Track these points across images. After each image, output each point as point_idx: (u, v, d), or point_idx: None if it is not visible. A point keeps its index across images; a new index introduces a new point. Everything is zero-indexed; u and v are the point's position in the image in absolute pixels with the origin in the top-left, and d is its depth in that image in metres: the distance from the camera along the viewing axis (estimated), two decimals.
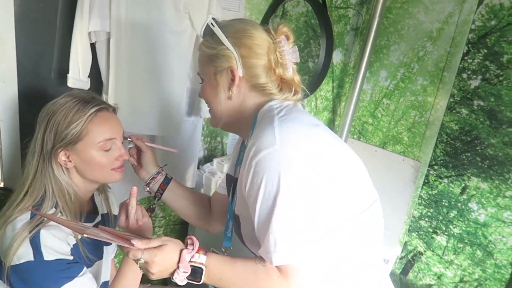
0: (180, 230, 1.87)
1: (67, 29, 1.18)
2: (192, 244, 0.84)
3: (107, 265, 1.20)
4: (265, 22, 1.75)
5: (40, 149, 0.97)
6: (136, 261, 0.81)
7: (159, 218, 1.76)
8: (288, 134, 0.81)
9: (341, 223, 0.86)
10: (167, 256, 0.82)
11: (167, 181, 1.18)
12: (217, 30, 0.91)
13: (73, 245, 0.99)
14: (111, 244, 1.22)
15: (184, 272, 0.82)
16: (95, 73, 1.25)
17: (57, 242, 0.96)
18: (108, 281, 1.23)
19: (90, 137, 0.98)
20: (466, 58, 1.86)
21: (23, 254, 0.91)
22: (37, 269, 0.92)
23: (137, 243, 0.78)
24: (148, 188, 1.19)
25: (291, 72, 0.92)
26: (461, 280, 1.99)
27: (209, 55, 0.93)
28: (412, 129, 2.08)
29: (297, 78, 0.94)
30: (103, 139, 1.00)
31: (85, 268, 1.00)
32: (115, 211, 1.25)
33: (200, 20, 1.37)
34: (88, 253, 1.02)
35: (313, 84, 2.07)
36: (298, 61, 0.93)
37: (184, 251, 0.82)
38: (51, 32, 1.23)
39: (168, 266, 0.82)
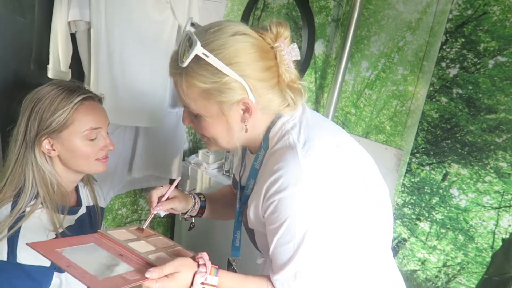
0: (167, 223, 1.87)
1: (46, 19, 1.16)
2: (205, 265, 0.84)
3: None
4: (246, 14, 1.76)
5: (23, 136, 0.96)
6: None
7: (145, 211, 1.75)
8: (314, 170, 0.79)
9: (360, 243, 0.87)
10: (180, 282, 0.81)
11: (203, 204, 1.12)
12: (214, 60, 0.76)
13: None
14: None
15: None
16: (76, 64, 1.24)
17: None
18: None
19: (75, 126, 0.97)
20: (444, 47, 1.90)
21: None
22: (6, 270, 0.92)
23: (152, 273, 0.78)
24: (186, 216, 1.11)
25: (294, 71, 0.83)
26: (444, 265, 2.03)
27: (208, 91, 0.79)
28: (394, 118, 2.12)
29: (299, 78, 0.86)
30: (89, 128, 0.99)
31: None
32: (101, 203, 1.24)
33: (181, 10, 1.36)
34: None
35: None
36: (299, 58, 0.83)
37: (197, 276, 0.83)
38: (30, 22, 1.21)
39: None
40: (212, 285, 0.84)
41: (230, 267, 1.02)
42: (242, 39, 0.78)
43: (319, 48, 2.18)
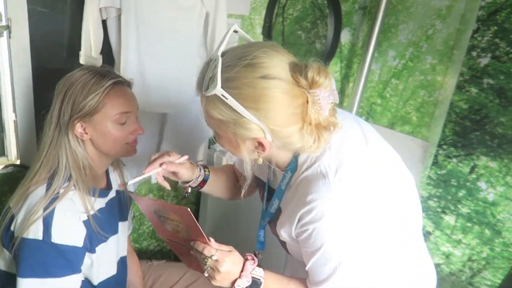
0: (192, 209, 1.88)
1: (78, 7, 1.19)
2: (253, 259, 0.88)
3: (124, 241, 1.23)
4: (272, 2, 1.74)
5: (57, 120, 0.99)
6: (207, 259, 0.83)
7: (171, 197, 1.78)
8: (347, 199, 0.79)
9: (392, 252, 0.88)
10: (235, 261, 0.85)
11: (206, 178, 1.11)
12: (233, 103, 0.73)
13: (84, 221, 1.01)
14: (126, 220, 1.25)
15: (246, 281, 0.85)
16: (106, 50, 1.26)
17: (69, 224, 0.98)
18: (125, 256, 1.26)
19: (106, 110, 0.99)
20: (475, 35, 1.84)
21: (34, 230, 0.94)
22: (41, 249, 0.95)
23: (213, 242, 0.84)
24: (186, 185, 1.11)
25: (327, 112, 0.77)
26: (469, 259, 2.00)
27: (224, 121, 0.78)
28: (421, 109, 2.08)
29: (333, 113, 0.80)
30: (119, 112, 1.01)
31: (79, 274, 1.02)
32: (130, 187, 1.27)
33: None
34: (99, 228, 1.05)
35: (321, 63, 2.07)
36: (337, 102, 0.78)
37: (248, 262, 0.86)
38: (63, 9, 1.24)
39: (233, 271, 0.85)
40: (260, 276, 0.87)
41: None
42: (270, 85, 0.73)
43: (345, 36, 2.15)
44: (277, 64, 0.74)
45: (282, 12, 1.91)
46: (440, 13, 1.93)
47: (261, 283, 0.87)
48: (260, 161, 0.84)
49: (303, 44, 2.10)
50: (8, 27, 1.11)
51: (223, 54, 0.76)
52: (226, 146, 0.86)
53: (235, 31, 0.81)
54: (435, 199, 2.08)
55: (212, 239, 0.85)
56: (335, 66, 2.20)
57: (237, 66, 0.73)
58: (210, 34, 1.43)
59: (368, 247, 0.82)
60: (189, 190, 1.13)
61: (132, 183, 1.04)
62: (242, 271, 0.85)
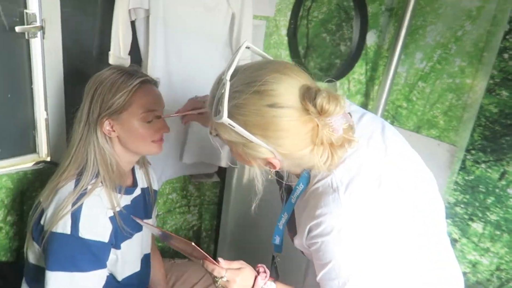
0: (214, 210, 1.90)
1: (108, 7, 1.22)
2: (265, 272, 0.89)
3: (148, 238, 1.25)
4: (297, 4, 1.74)
5: (86, 117, 1.01)
6: (218, 279, 0.85)
7: (194, 197, 1.79)
8: (356, 216, 0.78)
9: (410, 258, 0.86)
10: (245, 278, 0.86)
11: None
12: (241, 130, 0.74)
13: (110, 217, 1.03)
14: (150, 217, 1.26)
15: None
16: (135, 50, 1.28)
17: (96, 220, 1.01)
18: (149, 254, 1.28)
19: (133, 108, 1.01)
20: (507, 37, 1.78)
21: (62, 224, 0.96)
22: (69, 243, 0.97)
23: (222, 262, 0.85)
24: None
25: (341, 132, 0.76)
26: (497, 268, 1.93)
27: (234, 141, 0.78)
28: (449, 113, 2.02)
29: (350, 130, 0.79)
30: (146, 110, 1.03)
31: (105, 269, 1.04)
32: (154, 186, 1.29)
33: None
34: (124, 224, 1.07)
35: (345, 66, 2.05)
36: (352, 124, 0.79)
37: (259, 277, 0.87)
38: (94, 11, 1.27)
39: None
40: None
41: (272, 263, 1.04)
42: (278, 113, 0.72)
43: (370, 38, 2.13)
44: (287, 90, 0.73)
45: (307, 14, 1.90)
46: (470, 14, 1.88)
47: None
48: (272, 176, 0.84)
49: (327, 46, 2.09)
50: (42, 28, 1.14)
51: (233, 76, 0.75)
52: (238, 160, 0.86)
53: (247, 47, 0.80)
54: (462, 206, 2.02)
55: (221, 260, 0.85)
56: (360, 69, 2.17)
57: (245, 92, 0.73)
58: (236, 35, 1.44)
59: (380, 262, 0.81)
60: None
61: (144, 224, 1.07)
62: (253, 286, 0.87)
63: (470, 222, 2.01)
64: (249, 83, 0.73)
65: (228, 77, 0.74)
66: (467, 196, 2.00)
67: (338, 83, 2.10)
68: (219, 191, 1.86)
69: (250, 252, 1.72)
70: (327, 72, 2.05)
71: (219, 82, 0.76)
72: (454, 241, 2.07)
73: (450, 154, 2.01)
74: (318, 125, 0.74)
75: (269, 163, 0.80)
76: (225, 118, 0.72)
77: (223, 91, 0.73)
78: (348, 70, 2.06)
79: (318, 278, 0.85)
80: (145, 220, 1.22)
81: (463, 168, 1.99)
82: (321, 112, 0.72)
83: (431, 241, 0.89)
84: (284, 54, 1.80)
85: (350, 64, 2.06)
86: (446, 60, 2.00)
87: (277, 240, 1.00)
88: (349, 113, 0.81)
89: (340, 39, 2.11)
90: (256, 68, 0.76)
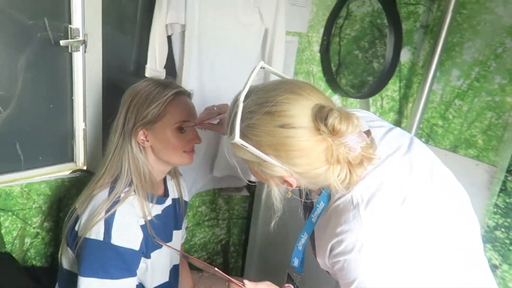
0: (242, 225, 1.89)
1: (146, 22, 1.27)
2: None
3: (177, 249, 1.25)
4: (329, 23, 1.75)
5: (122, 127, 1.04)
6: None
7: (222, 211, 1.79)
8: (377, 233, 0.77)
9: (437, 273, 0.82)
10: None
11: None
12: (253, 150, 0.74)
13: (141, 225, 1.05)
14: (180, 228, 1.27)
15: None
16: (170, 64, 1.32)
17: (128, 227, 1.02)
18: (178, 265, 1.28)
19: (167, 118, 1.04)
20: None
21: (96, 231, 0.98)
22: (101, 249, 0.99)
23: (248, 284, 0.84)
24: None
25: (358, 150, 0.74)
26: None
27: (249, 160, 0.79)
28: (488, 132, 1.95)
29: (370, 147, 0.77)
30: (179, 121, 1.05)
31: (135, 278, 1.06)
32: (185, 197, 1.30)
33: (269, 14, 1.40)
34: (155, 233, 1.07)
35: (378, 83, 2.02)
36: (368, 143, 0.76)
37: None
38: (132, 26, 1.33)
39: None
40: None
41: (293, 284, 1.02)
42: (290, 134, 0.72)
43: (405, 55, 2.10)
44: (299, 111, 0.72)
45: (339, 32, 1.90)
46: (510, 31, 1.83)
47: None
48: (289, 195, 0.84)
49: (360, 63, 2.08)
50: (84, 42, 1.20)
51: (247, 96, 0.76)
52: (256, 178, 0.86)
53: (262, 68, 0.81)
54: (503, 230, 1.92)
55: (246, 282, 0.84)
56: (393, 86, 2.14)
57: (257, 113, 0.73)
58: (268, 50, 1.46)
59: (405, 278, 0.78)
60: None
61: (167, 247, 1.11)
62: None
63: (511, 248, 1.90)
64: (261, 103, 0.73)
65: (242, 97, 0.75)
66: (508, 220, 1.90)
67: (370, 100, 2.07)
68: (248, 206, 1.85)
69: (278, 269, 1.69)
70: (360, 90, 2.03)
71: (235, 102, 0.77)
72: (494, 267, 1.96)
73: (490, 175, 1.92)
74: (332, 145, 0.73)
75: (285, 182, 0.79)
76: (237, 139, 0.73)
77: (236, 111, 0.74)
78: (381, 87, 2.03)
79: None
80: (174, 232, 1.24)
81: (503, 189, 1.89)
82: (333, 132, 0.71)
83: (458, 256, 0.84)
84: (316, 70, 1.80)
85: (383, 81, 2.03)
86: (485, 78, 1.94)
87: (295, 263, 0.98)
88: (368, 130, 0.78)
89: (373, 56, 2.09)
90: (270, 88, 0.76)
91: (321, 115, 0.71)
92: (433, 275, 0.80)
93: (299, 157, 0.73)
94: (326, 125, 0.71)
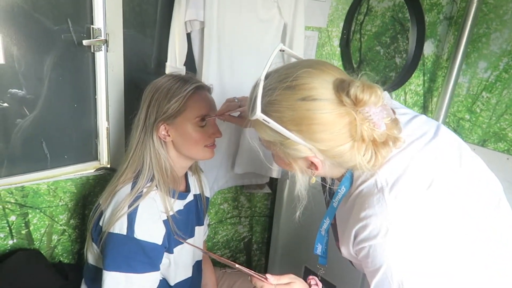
0: (265, 222, 1.89)
1: (166, 20, 1.28)
2: (316, 284, 0.87)
3: (200, 245, 1.25)
4: (349, 18, 1.72)
5: (143, 122, 1.05)
6: None
7: (245, 208, 1.79)
8: (402, 217, 0.75)
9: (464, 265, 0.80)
10: None
11: None
12: (275, 126, 0.73)
13: (164, 220, 1.05)
14: (202, 224, 1.28)
15: None
16: (189, 61, 1.33)
17: (151, 222, 1.03)
18: (201, 261, 1.29)
19: (187, 113, 1.04)
20: None
21: (119, 225, 0.99)
22: (124, 244, 0.99)
23: (271, 278, 0.83)
24: None
25: (383, 128, 0.73)
26: None
27: (272, 142, 0.77)
28: None
29: (394, 127, 0.75)
30: (200, 115, 1.05)
31: (158, 272, 1.06)
32: (207, 193, 1.30)
33: (288, 9, 1.39)
34: (177, 228, 1.08)
35: (401, 77, 1.98)
36: (393, 117, 0.75)
37: None
38: (152, 24, 1.35)
39: None
40: None
41: (315, 275, 0.99)
42: (311, 107, 0.70)
43: (428, 48, 2.05)
44: (319, 84, 0.71)
45: (360, 28, 1.88)
46: None
47: None
48: (314, 180, 0.82)
49: (381, 59, 2.04)
50: (106, 42, 1.22)
51: (267, 76, 0.76)
52: (280, 165, 0.84)
53: (281, 50, 0.80)
54: None
55: (269, 276, 0.82)
56: (417, 80, 2.09)
57: (278, 89, 0.72)
58: (288, 45, 1.45)
59: (434, 264, 0.75)
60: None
61: (187, 243, 1.11)
62: None
63: None
64: (281, 80, 0.73)
65: (262, 77, 0.75)
66: None
67: (393, 94, 2.03)
68: (270, 203, 1.84)
69: (302, 267, 1.67)
70: (382, 86, 2.00)
71: (255, 84, 0.77)
72: None
73: None
74: (356, 118, 0.70)
75: (310, 164, 0.77)
76: (258, 114, 0.72)
77: (257, 91, 0.73)
78: (404, 81, 1.99)
79: (372, 287, 0.80)
80: (196, 227, 1.24)
81: None
82: (356, 102, 0.69)
83: (485, 247, 0.81)
84: (337, 65, 1.78)
85: (406, 74, 1.99)
86: None
87: (318, 250, 0.96)
88: (392, 109, 0.76)
89: (395, 52, 2.05)
90: (289, 66, 0.76)
91: (343, 86, 0.70)
92: (459, 262, 0.77)
93: (322, 132, 0.71)
94: (348, 95, 0.69)
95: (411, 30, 1.95)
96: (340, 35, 1.73)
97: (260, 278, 0.82)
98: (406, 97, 2.11)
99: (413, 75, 2.01)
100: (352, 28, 1.79)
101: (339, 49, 1.76)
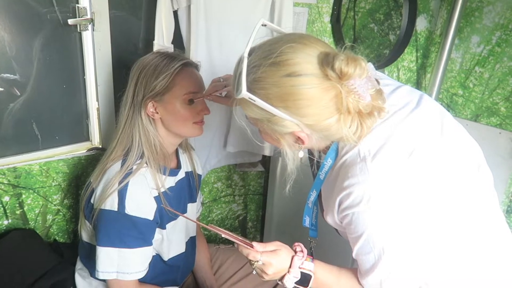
0: (259, 200, 1.90)
1: (152, 5, 1.26)
2: (302, 251, 0.89)
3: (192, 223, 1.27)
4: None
5: (131, 100, 1.06)
6: (253, 262, 0.86)
7: (238, 187, 1.81)
8: (384, 184, 0.76)
9: (450, 240, 0.82)
10: (281, 261, 0.86)
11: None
12: (261, 103, 0.73)
13: (155, 197, 1.07)
14: (195, 201, 1.29)
15: (294, 277, 0.86)
16: (178, 40, 1.33)
17: (141, 198, 1.04)
18: (195, 237, 1.31)
19: (175, 90, 1.04)
20: None
21: (110, 201, 1.01)
22: (116, 219, 1.01)
23: (257, 246, 0.85)
24: None
25: (368, 99, 0.74)
26: None
27: (259, 119, 0.78)
28: (511, 98, 1.88)
29: (379, 97, 0.77)
30: (187, 92, 1.06)
31: (150, 247, 1.08)
32: (198, 170, 1.31)
33: None
34: (169, 205, 1.09)
35: (393, 53, 1.97)
36: (378, 87, 0.76)
37: (295, 258, 0.87)
38: (139, 3, 1.33)
39: (281, 269, 0.86)
40: (309, 270, 0.86)
41: (308, 249, 1.01)
42: (296, 82, 0.71)
43: (421, 24, 2.03)
44: (303, 59, 0.71)
45: (353, 6, 1.86)
46: None
47: (310, 277, 0.86)
48: (301, 154, 0.83)
49: (376, 37, 2.03)
50: (92, 21, 1.21)
51: (250, 53, 0.75)
52: (268, 140, 0.85)
53: (263, 25, 0.80)
54: None
55: (255, 243, 0.85)
56: (410, 56, 2.08)
57: (262, 65, 0.72)
58: (276, 22, 1.44)
59: (414, 235, 0.78)
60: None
61: (178, 214, 1.12)
62: (290, 266, 0.86)
63: None
64: (265, 56, 0.73)
65: (246, 54, 0.74)
66: None
67: (386, 71, 2.02)
68: (264, 182, 1.86)
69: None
70: (376, 64, 1.99)
71: (239, 60, 0.77)
72: None
73: None
74: (341, 91, 0.71)
75: (297, 139, 0.78)
76: (244, 92, 0.72)
77: (242, 68, 0.73)
78: (396, 57, 1.98)
79: (354, 254, 0.82)
80: (189, 204, 1.25)
81: None
82: (341, 76, 0.70)
83: (469, 208, 0.83)
84: (328, 41, 1.77)
85: (398, 50, 1.97)
86: (507, 42, 1.86)
87: (306, 222, 0.99)
88: (376, 80, 0.77)
89: (389, 29, 2.03)
90: (272, 42, 0.76)
91: (327, 60, 0.70)
92: (442, 226, 0.79)
93: (308, 107, 0.71)
94: (333, 69, 0.69)
95: (404, 5, 1.93)
96: (330, 11, 1.72)
97: (247, 246, 0.84)
98: (399, 74, 2.10)
99: (406, 51, 2.00)
100: (346, 6, 1.77)
101: (329, 25, 1.75)
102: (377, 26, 2.01)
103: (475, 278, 0.84)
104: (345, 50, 0.73)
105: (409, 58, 2.08)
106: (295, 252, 0.89)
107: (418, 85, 2.19)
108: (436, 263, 0.81)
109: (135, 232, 1.04)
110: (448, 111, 2.06)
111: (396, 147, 0.78)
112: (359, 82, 0.71)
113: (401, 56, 2.00)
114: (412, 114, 0.82)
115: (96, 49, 1.25)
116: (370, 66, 0.77)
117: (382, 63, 1.97)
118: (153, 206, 1.06)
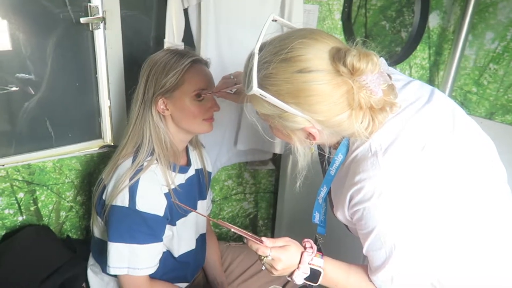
0: (270, 199, 1.90)
1: (163, 5, 1.27)
2: (311, 247, 0.89)
3: (203, 218, 1.28)
4: None
5: (142, 97, 1.07)
6: (263, 258, 0.86)
7: (249, 185, 1.81)
8: (396, 179, 0.75)
9: (461, 237, 0.80)
10: (291, 256, 0.86)
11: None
12: (272, 99, 0.73)
13: (165, 193, 1.07)
14: (205, 199, 1.30)
15: (303, 273, 0.86)
16: (188, 37, 1.34)
17: (152, 194, 1.05)
18: (205, 234, 1.31)
19: (185, 86, 1.05)
20: None
21: (121, 198, 1.02)
22: (127, 215, 1.02)
23: (266, 241, 0.85)
24: None
25: (380, 94, 0.73)
26: None
27: (270, 115, 0.78)
28: None
29: (391, 92, 0.76)
30: (197, 89, 1.06)
31: (161, 243, 1.09)
32: (208, 168, 1.32)
33: None
34: (178, 201, 1.10)
35: (405, 50, 1.95)
36: (390, 82, 0.76)
37: (305, 254, 0.86)
38: (150, 3, 1.35)
39: (291, 265, 0.86)
40: (319, 266, 0.86)
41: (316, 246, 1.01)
42: (308, 78, 0.70)
43: (433, 20, 2.00)
44: (315, 55, 0.71)
45: (365, 3, 1.85)
46: None
47: (320, 273, 0.86)
48: (313, 150, 0.83)
49: (387, 34, 2.01)
50: (104, 19, 1.23)
51: (261, 48, 0.75)
52: (279, 136, 0.85)
53: (274, 20, 0.79)
54: None
55: (264, 239, 0.84)
56: (422, 53, 2.05)
57: (273, 61, 0.72)
58: (286, 19, 1.43)
59: (426, 231, 0.76)
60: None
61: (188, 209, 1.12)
62: (299, 262, 0.85)
63: None
64: (276, 52, 0.72)
65: (256, 50, 0.74)
66: None
67: (398, 69, 2.00)
68: (274, 180, 1.86)
69: None
70: (388, 62, 1.97)
71: (250, 56, 0.77)
72: None
73: None
74: (353, 87, 0.70)
75: (308, 135, 0.78)
76: (255, 89, 0.72)
77: (252, 64, 0.73)
78: (408, 54, 1.96)
79: (364, 250, 0.82)
80: (199, 202, 1.26)
81: None
82: (353, 71, 0.69)
83: (481, 203, 0.81)
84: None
85: (410, 48, 1.95)
86: None
87: (316, 218, 0.98)
88: (388, 75, 0.76)
89: (400, 26, 2.01)
90: (283, 37, 0.75)
91: (339, 56, 0.70)
92: (454, 222, 0.78)
93: (319, 103, 0.71)
94: (345, 64, 0.69)
95: (416, 2, 1.91)
96: (341, 8, 1.71)
97: (256, 241, 0.84)
98: (411, 71, 2.08)
99: (418, 49, 1.98)
100: (357, 3, 1.76)
101: (340, 23, 1.74)
102: (388, 23, 1.99)
103: (488, 274, 0.82)
104: (357, 45, 0.72)
105: (421, 56, 2.06)
106: (305, 248, 0.89)
107: (431, 82, 2.16)
108: (448, 259, 0.80)
109: (145, 228, 1.04)
110: (462, 109, 2.03)
111: (407, 141, 0.77)
112: (371, 78, 0.71)
113: (413, 54, 1.98)
114: (424, 108, 0.81)
115: (107, 48, 1.27)
116: (382, 61, 0.77)
117: (394, 60, 1.95)
118: (164, 202, 1.07)
